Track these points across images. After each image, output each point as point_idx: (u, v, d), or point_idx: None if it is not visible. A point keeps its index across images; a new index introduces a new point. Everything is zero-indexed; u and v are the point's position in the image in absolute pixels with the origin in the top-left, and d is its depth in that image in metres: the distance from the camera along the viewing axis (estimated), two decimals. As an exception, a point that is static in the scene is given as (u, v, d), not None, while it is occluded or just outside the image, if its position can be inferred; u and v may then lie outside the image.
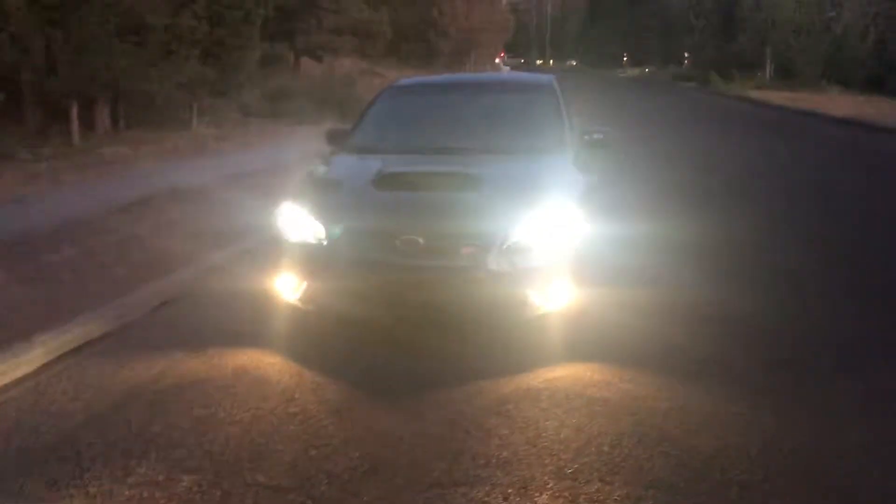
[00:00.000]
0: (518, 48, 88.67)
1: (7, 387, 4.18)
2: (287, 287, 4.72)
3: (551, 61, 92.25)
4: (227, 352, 4.59)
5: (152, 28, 13.52)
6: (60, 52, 12.55)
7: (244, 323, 5.05)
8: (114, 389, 4.13)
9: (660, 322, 5.03)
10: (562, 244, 4.59)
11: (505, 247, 4.46)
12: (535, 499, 3.12)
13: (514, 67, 64.54)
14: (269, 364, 4.43)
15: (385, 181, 5.09)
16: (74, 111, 13.63)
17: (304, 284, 4.64)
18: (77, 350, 4.65)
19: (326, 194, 5.05)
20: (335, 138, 6.09)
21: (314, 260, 4.59)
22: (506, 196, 4.74)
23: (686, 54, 51.94)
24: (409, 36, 36.24)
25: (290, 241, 4.71)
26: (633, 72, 63.99)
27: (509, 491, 3.17)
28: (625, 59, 71.29)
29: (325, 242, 4.58)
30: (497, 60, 58.46)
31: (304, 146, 11.39)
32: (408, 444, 3.54)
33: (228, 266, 6.22)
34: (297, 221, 4.71)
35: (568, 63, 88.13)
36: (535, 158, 5.37)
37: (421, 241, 4.45)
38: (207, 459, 3.42)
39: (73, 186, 9.70)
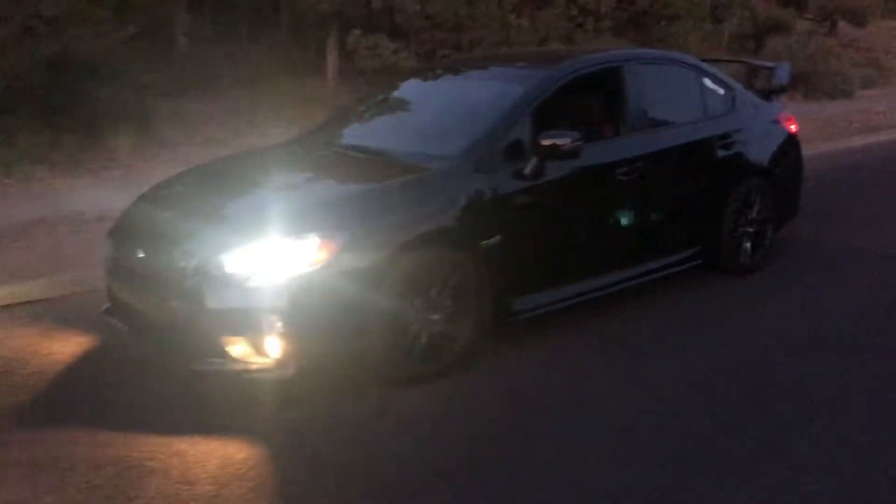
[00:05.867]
0: None
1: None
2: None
3: None
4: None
5: (553, 2, 13.24)
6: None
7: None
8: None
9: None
10: (284, 286, 3.51)
11: (201, 277, 3.57)
12: None
13: None
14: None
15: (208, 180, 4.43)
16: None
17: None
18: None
19: (163, 185, 4.56)
20: None
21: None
22: (241, 216, 3.77)
23: None
24: None
25: None
26: None
27: None
28: None
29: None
30: None
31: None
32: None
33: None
34: None
35: None
36: (391, 168, 4.18)
37: (141, 253, 3.82)
38: None
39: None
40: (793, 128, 5.78)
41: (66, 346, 4.46)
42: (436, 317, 3.91)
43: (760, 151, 5.47)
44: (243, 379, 3.66)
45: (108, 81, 12.21)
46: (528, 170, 4.18)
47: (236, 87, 15.03)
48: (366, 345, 3.70)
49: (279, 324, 3.51)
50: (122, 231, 4.11)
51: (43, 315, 4.98)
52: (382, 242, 3.70)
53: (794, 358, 4.20)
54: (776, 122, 5.69)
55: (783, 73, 5.83)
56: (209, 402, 3.77)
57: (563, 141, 4.13)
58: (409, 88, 5.20)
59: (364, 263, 3.64)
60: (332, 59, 16.03)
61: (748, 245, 5.43)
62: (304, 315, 3.54)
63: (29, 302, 5.21)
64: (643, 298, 4.94)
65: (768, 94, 5.82)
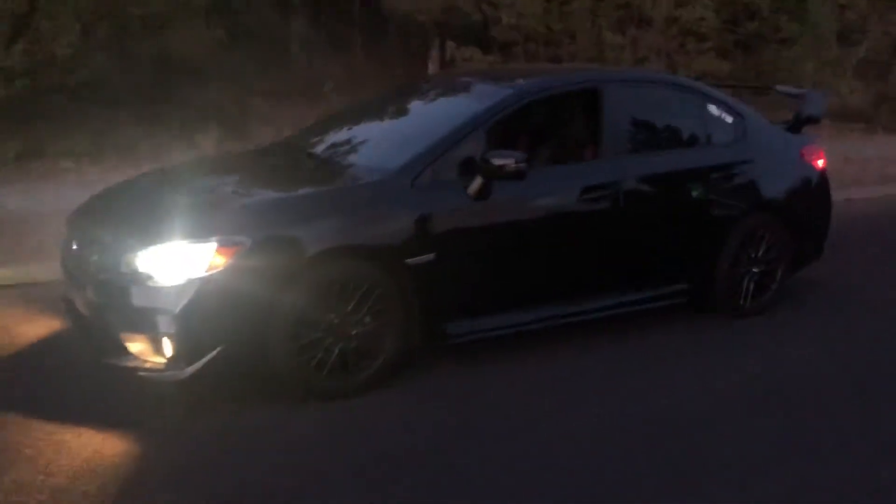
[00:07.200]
0: None
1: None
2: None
3: None
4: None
5: (650, 20, 12.83)
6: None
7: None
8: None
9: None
10: (180, 288, 3.52)
11: (111, 274, 3.65)
12: None
13: None
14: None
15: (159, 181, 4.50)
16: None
17: None
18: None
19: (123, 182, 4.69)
20: None
21: None
22: (156, 218, 3.78)
23: None
24: None
25: None
26: None
27: None
28: None
29: None
30: None
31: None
32: None
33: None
34: None
35: None
36: (326, 178, 4.19)
37: (74, 246, 3.94)
38: None
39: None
40: (820, 163, 5.27)
41: (32, 330, 4.64)
42: (353, 332, 3.80)
43: (773, 186, 5.01)
44: (141, 377, 3.67)
45: (209, 82, 12.74)
46: (470, 189, 4.01)
47: (338, 93, 15.36)
48: (267, 354, 3.64)
49: (172, 325, 3.51)
50: (71, 223, 4.25)
51: (34, 297, 5.21)
52: (288, 252, 3.63)
53: (729, 416, 3.83)
54: (800, 155, 5.21)
55: (815, 103, 5.33)
56: (122, 396, 3.81)
57: (506, 161, 3.93)
58: (394, 100, 5.10)
59: (266, 272, 3.58)
60: (432, 69, 16.15)
61: (750, 286, 4.99)
62: (197, 318, 3.51)
63: (29, 284, 5.47)
64: (616, 331, 4.65)
65: (797, 124, 5.34)
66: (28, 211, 7.10)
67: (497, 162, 3.92)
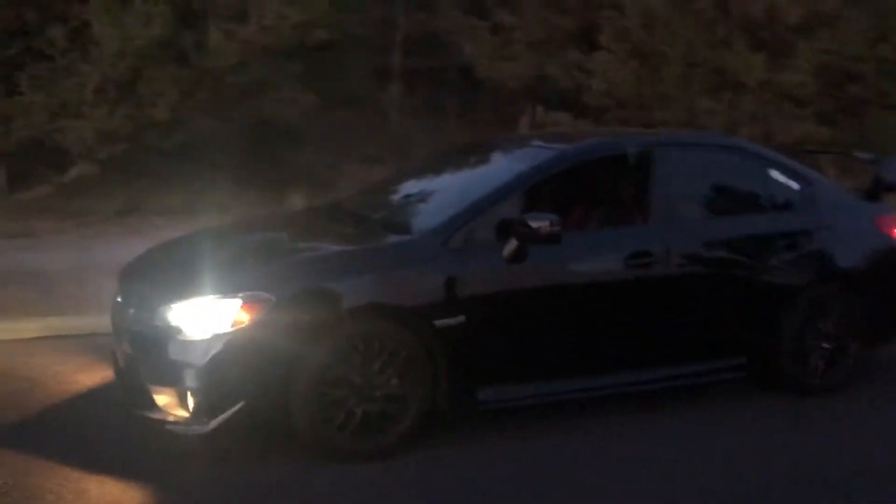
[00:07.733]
0: None
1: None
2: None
3: None
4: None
5: (744, 85, 12.57)
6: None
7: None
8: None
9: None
10: (205, 343, 3.58)
11: (143, 327, 3.75)
12: None
13: None
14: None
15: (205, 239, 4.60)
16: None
17: None
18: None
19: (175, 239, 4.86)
20: None
21: None
22: (190, 273, 3.85)
23: None
24: None
25: None
26: None
27: None
28: None
29: None
30: None
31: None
32: None
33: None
34: None
35: None
36: (361, 237, 4.23)
37: (119, 298, 4.08)
38: None
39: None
40: (898, 233, 4.92)
41: (85, 379, 4.79)
42: (377, 394, 3.75)
43: (842, 255, 4.70)
44: (167, 429, 3.71)
45: (304, 145, 13.18)
46: (505, 251, 3.93)
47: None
48: (288, 413, 3.63)
49: (196, 379, 3.55)
50: (120, 276, 4.40)
51: (99, 347, 5.40)
52: (314, 310, 3.64)
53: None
54: (875, 224, 4.89)
55: (894, 170, 5.01)
56: (150, 448, 3.84)
57: (541, 223, 3.83)
58: (447, 160, 5.12)
59: (291, 330, 3.58)
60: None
61: (819, 362, 4.65)
62: (220, 374, 3.54)
63: (99, 334, 5.67)
64: (678, 399, 4.43)
65: (875, 192, 5.03)
66: (114, 263, 7.44)
67: (533, 224, 3.83)
